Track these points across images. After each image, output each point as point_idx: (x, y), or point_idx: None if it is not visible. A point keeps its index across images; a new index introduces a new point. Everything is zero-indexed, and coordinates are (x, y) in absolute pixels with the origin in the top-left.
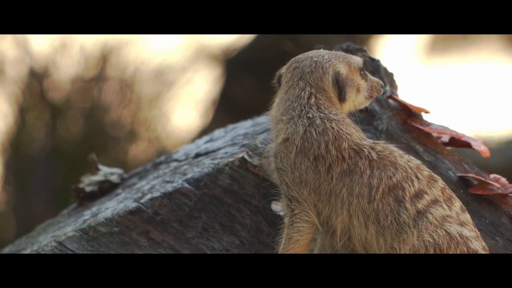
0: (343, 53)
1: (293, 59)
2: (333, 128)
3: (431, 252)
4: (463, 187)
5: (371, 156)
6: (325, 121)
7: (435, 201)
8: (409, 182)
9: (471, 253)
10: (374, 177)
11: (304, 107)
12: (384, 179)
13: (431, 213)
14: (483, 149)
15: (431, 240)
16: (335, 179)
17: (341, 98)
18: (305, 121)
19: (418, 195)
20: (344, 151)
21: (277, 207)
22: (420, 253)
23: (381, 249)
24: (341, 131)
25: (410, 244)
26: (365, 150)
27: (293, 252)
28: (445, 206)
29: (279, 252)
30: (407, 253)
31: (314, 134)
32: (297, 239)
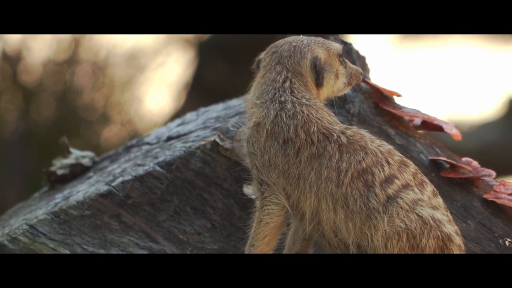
0: (322, 39)
1: (272, 44)
2: (303, 112)
3: (404, 238)
4: (434, 170)
5: (341, 141)
6: (296, 105)
7: (406, 186)
8: (379, 167)
9: (444, 237)
10: (343, 161)
11: (278, 91)
12: (353, 164)
13: (402, 198)
14: (454, 133)
15: (402, 226)
16: (303, 162)
17: (319, 83)
18: (276, 105)
19: (389, 180)
20: (313, 135)
21: (248, 190)
22: (393, 239)
23: (350, 234)
24: (311, 115)
25: (382, 230)
26: (335, 134)
27: (263, 235)
28: (416, 190)
29: (251, 235)
30: (379, 239)
31: (284, 118)
32: (267, 222)
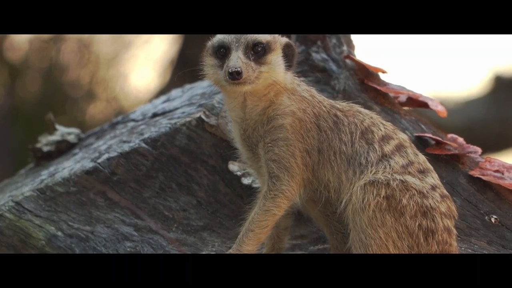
0: None
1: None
2: (314, 93)
3: (382, 193)
4: (420, 147)
5: (341, 108)
6: (309, 88)
7: (400, 146)
8: (377, 127)
9: (425, 207)
10: (351, 123)
11: (298, 81)
12: (358, 124)
13: (395, 160)
14: (440, 109)
15: (383, 179)
16: (330, 132)
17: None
18: (305, 92)
19: (385, 139)
20: (329, 107)
21: (234, 167)
22: (371, 193)
23: (348, 191)
24: (319, 95)
25: (364, 180)
26: (335, 104)
27: (266, 224)
28: (409, 152)
29: (250, 219)
30: (358, 189)
31: (315, 101)
32: (274, 213)
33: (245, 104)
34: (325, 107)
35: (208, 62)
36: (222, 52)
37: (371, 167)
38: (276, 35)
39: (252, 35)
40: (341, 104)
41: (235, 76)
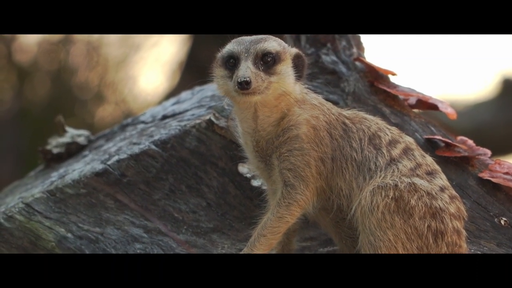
0: None
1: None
2: (324, 102)
3: (390, 194)
4: (430, 149)
5: (348, 116)
6: (320, 98)
7: (407, 149)
8: (383, 132)
9: (434, 208)
10: (359, 130)
11: (307, 91)
12: (366, 130)
13: (402, 164)
14: (450, 111)
15: (391, 183)
16: (341, 140)
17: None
18: (315, 101)
19: (392, 143)
20: (337, 115)
21: (243, 169)
22: (379, 195)
23: (357, 196)
24: (327, 102)
25: (372, 185)
26: (342, 112)
27: (278, 231)
28: (416, 154)
29: (263, 225)
30: (367, 193)
31: (325, 109)
32: (287, 221)
33: (256, 115)
34: (333, 114)
35: (218, 73)
36: (232, 63)
37: (380, 171)
38: (286, 46)
39: (261, 45)
40: (347, 112)
41: (244, 86)
